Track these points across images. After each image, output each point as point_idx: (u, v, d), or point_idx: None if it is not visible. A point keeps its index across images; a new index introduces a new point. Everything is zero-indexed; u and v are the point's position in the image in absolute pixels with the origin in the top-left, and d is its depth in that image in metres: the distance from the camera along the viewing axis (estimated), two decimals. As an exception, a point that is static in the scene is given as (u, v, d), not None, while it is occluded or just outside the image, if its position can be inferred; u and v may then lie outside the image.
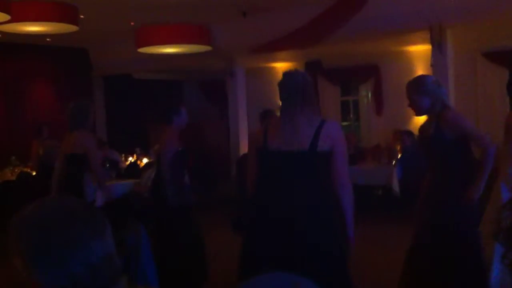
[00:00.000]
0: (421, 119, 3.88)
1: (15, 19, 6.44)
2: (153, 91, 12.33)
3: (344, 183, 2.91)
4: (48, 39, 9.65)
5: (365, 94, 10.87)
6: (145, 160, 9.00)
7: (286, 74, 3.13)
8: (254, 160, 3.08)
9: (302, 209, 2.87)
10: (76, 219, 1.24)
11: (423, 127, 3.75)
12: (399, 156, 7.82)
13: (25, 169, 8.12)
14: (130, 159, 9.27)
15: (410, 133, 7.83)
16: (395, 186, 7.23)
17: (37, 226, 1.23)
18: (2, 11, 5.94)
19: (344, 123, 11.29)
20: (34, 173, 7.89)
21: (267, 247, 2.91)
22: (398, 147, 8.07)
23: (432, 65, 7.69)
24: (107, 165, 7.75)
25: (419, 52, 9.58)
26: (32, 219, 1.25)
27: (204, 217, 6.39)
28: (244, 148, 9.20)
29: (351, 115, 11.41)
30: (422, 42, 8.29)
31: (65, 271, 1.19)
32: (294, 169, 2.90)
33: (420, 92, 3.58)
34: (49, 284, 1.20)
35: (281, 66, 11.84)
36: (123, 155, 9.21)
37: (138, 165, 8.80)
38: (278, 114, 3.18)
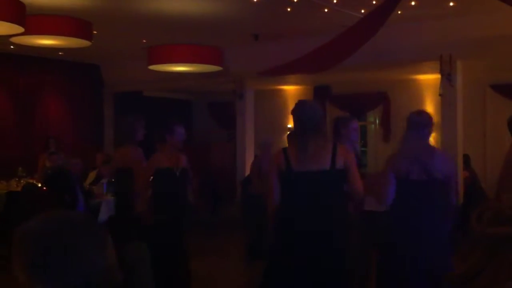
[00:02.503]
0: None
1: (29, 31, 6.52)
2: (162, 109, 12.40)
3: (361, 192, 3.49)
4: (60, 53, 9.75)
5: (373, 120, 10.88)
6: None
7: (300, 106, 3.62)
8: (276, 183, 3.48)
9: (328, 221, 3.35)
10: (76, 232, 1.25)
11: None
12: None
13: (31, 181, 8.15)
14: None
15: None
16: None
17: (37, 238, 1.24)
18: (16, 23, 6.03)
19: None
20: (39, 185, 7.91)
21: (297, 274, 3.31)
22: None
23: (440, 95, 7.71)
24: (113, 180, 7.76)
25: (428, 81, 9.61)
26: (33, 232, 1.27)
27: (207, 240, 6.35)
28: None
29: (359, 141, 11.41)
30: (432, 71, 8.33)
31: (65, 283, 1.20)
32: (320, 186, 3.39)
33: None
34: None
35: (290, 89, 11.91)
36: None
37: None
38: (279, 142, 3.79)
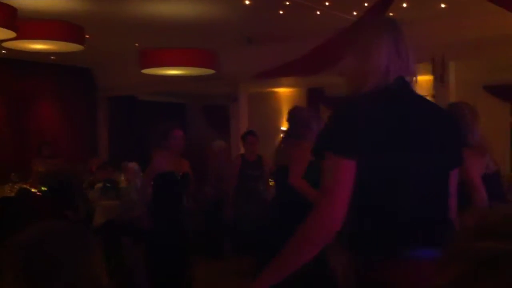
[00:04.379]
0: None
1: (21, 36, 6.51)
2: (156, 113, 12.38)
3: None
4: (52, 57, 9.73)
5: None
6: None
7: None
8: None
9: None
10: (59, 242, 1.27)
11: None
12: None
13: (25, 186, 8.12)
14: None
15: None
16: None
17: (19, 250, 1.26)
18: (8, 28, 6.01)
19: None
20: (33, 190, 7.89)
21: None
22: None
23: (433, 96, 7.73)
24: (107, 185, 7.75)
25: (420, 83, 9.54)
26: (16, 244, 1.28)
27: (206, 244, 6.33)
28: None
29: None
30: (424, 73, 8.35)
31: None
32: None
33: None
34: None
35: (283, 92, 11.92)
36: (123, 175, 9.20)
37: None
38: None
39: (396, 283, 1.89)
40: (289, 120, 4.56)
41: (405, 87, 2.03)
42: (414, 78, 2.07)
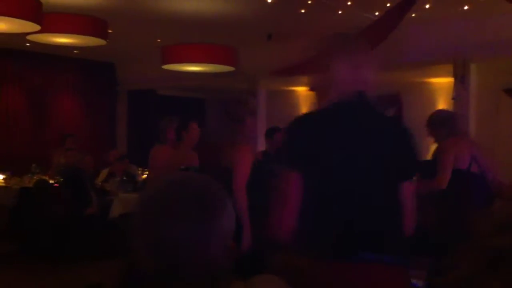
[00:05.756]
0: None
1: (45, 29, 6.59)
2: (175, 107, 12.45)
3: None
4: (76, 51, 9.84)
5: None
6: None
7: None
8: None
9: None
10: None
11: None
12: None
13: (43, 177, 8.24)
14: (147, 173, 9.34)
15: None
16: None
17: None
18: (33, 21, 6.09)
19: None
20: (51, 181, 8.00)
21: None
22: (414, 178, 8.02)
23: (453, 98, 7.68)
24: (124, 178, 7.83)
25: (441, 84, 9.57)
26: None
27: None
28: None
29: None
30: (445, 74, 8.30)
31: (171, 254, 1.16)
32: None
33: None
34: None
35: (302, 90, 11.90)
36: (140, 169, 9.28)
37: (155, 180, 8.88)
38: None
39: (340, 285, 2.01)
40: (225, 117, 4.25)
41: (361, 102, 2.11)
42: (373, 91, 2.15)
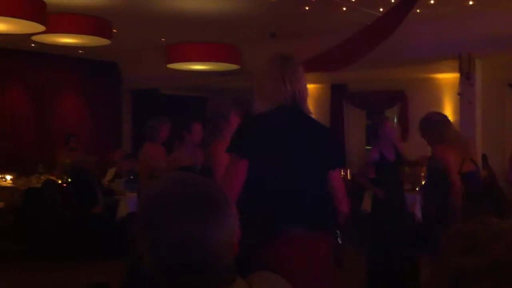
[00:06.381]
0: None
1: (50, 30, 6.61)
2: (179, 106, 12.46)
3: None
4: (80, 51, 9.86)
5: (391, 119, 10.82)
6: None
7: None
8: None
9: None
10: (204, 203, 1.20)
11: None
12: (423, 182, 7.75)
13: (51, 177, 8.26)
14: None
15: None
16: (418, 213, 7.15)
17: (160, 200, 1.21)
18: (37, 22, 6.11)
19: (368, 147, 11.24)
20: (59, 181, 8.02)
21: None
22: (422, 174, 8.01)
23: (459, 94, 7.66)
24: (131, 177, 7.84)
25: (446, 80, 9.54)
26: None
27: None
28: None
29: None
30: (450, 70, 8.27)
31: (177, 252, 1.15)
32: None
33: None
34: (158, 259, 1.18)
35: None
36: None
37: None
38: None
39: (278, 256, 2.48)
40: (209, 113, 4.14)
41: (292, 108, 2.71)
42: (303, 99, 2.76)
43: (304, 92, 2.76)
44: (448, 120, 4.75)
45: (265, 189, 2.63)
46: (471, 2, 6.61)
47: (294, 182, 2.63)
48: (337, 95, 11.19)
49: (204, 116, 4.12)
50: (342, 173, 9.88)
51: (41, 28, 6.34)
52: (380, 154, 5.29)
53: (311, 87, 11.79)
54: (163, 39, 8.92)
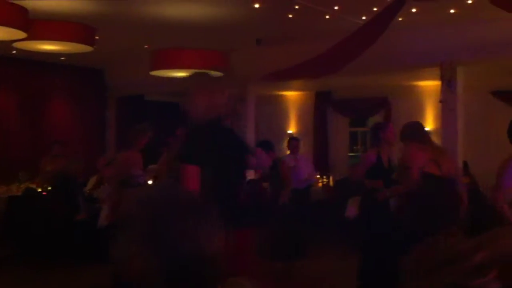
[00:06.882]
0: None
1: (31, 37, 6.56)
2: (164, 113, 12.42)
3: None
4: (62, 58, 9.79)
5: (371, 126, 10.89)
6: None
7: None
8: None
9: None
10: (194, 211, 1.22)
11: None
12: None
13: (32, 185, 8.17)
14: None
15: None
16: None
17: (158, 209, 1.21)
18: (19, 29, 6.06)
19: (351, 154, 11.29)
20: (39, 190, 7.94)
21: None
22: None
23: (441, 101, 7.73)
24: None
25: (429, 87, 9.63)
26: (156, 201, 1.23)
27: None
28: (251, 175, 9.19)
29: (359, 146, 11.43)
30: (433, 78, 8.35)
31: (170, 259, 1.16)
32: None
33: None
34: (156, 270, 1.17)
35: (291, 94, 11.93)
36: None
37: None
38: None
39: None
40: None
41: (217, 121, 3.41)
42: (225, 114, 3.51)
43: (223, 105, 3.50)
44: (423, 127, 5.14)
45: (209, 188, 3.14)
46: (452, 11, 6.68)
47: (229, 177, 3.37)
48: (321, 102, 11.24)
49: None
50: (324, 179, 10.01)
51: (23, 35, 6.29)
52: (377, 157, 5.25)
53: (294, 94, 11.86)
54: (146, 46, 8.89)
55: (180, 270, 1.16)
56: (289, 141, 7.41)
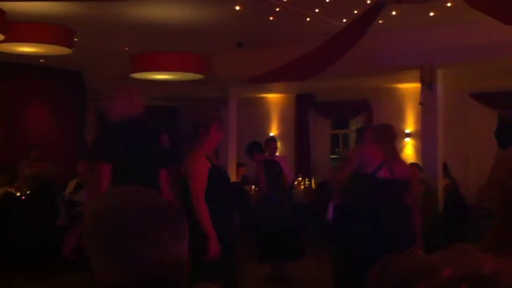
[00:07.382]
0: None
1: (8, 39, 6.47)
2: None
3: None
4: (41, 60, 9.67)
5: (355, 128, 10.94)
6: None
7: None
8: None
9: None
10: (158, 217, 1.19)
11: None
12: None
13: (10, 189, 8.05)
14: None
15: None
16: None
17: (117, 217, 1.19)
18: (-3, 31, 5.98)
19: (333, 156, 11.32)
20: (18, 194, 7.83)
21: None
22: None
23: (421, 104, 7.78)
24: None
25: (409, 90, 9.70)
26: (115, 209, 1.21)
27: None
28: (232, 177, 9.17)
29: (341, 149, 11.48)
30: (413, 80, 8.40)
31: (136, 267, 1.14)
32: None
33: None
34: (118, 278, 1.15)
35: (273, 97, 11.94)
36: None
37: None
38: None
39: None
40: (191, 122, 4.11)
41: (136, 118, 3.80)
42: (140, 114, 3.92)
43: (142, 105, 3.98)
44: (389, 129, 5.07)
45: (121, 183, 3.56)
46: (432, 14, 6.73)
47: (139, 176, 3.62)
48: (303, 104, 11.26)
49: (180, 124, 4.34)
50: (306, 182, 10.01)
51: (0, 37, 6.20)
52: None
53: (276, 96, 11.87)
54: (126, 48, 8.82)
55: (145, 278, 1.14)
56: (266, 142, 7.33)
